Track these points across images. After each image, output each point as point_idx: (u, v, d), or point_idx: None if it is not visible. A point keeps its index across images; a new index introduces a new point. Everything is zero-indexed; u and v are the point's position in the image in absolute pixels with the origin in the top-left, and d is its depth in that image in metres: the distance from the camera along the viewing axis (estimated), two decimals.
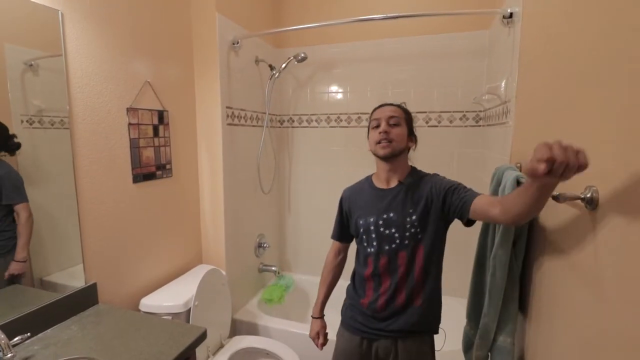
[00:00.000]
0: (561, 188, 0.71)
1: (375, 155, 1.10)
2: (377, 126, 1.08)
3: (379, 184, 1.13)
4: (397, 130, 1.07)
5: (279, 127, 2.52)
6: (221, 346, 1.71)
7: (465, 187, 1.03)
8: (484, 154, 1.99)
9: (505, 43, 1.57)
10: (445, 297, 2.17)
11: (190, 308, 1.48)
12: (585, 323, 0.69)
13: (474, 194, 0.98)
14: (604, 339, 0.62)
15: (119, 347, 1.02)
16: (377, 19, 1.70)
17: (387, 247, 1.07)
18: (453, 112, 2.12)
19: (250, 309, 2.08)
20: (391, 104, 1.12)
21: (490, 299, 1.04)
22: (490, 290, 1.03)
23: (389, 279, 1.08)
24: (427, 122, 2.18)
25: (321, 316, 1.30)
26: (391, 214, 1.06)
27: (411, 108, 2.20)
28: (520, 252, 1.02)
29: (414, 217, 1.04)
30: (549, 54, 1.00)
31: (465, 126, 2.11)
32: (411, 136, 1.12)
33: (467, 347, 1.24)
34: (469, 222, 1.02)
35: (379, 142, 1.07)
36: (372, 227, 1.08)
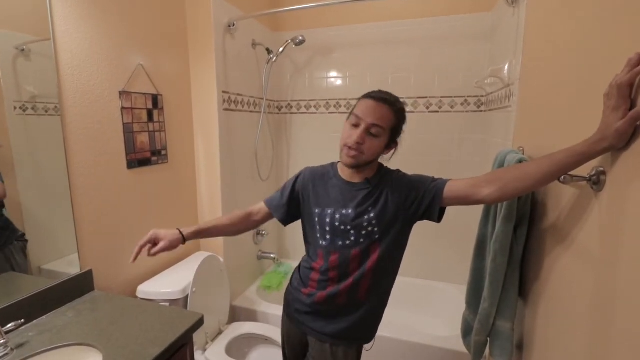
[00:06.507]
0: None
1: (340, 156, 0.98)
2: (355, 125, 0.94)
3: (345, 175, 1.03)
4: (374, 143, 0.93)
5: (277, 113, 2.47)
6: (220, 332, 1.71)
7: (432, 178, 0.96)
8: (485, 140, 1.96)
9: (509, 24, 1.52)
10: (444, 283, 2.26)
11: (188, 295, 1.47)
12: (587, 309, 0.68)
13: (443, 181, 0.93)
14: (605, 325, 0.60)
15: (115, 333, 1.01)
16: None
17: (340, 243, 0.99)
18: (454, 97, 2.08)
19: (249, 296, 2.09)
20: (385, 101, 0.93)
21: (490, 284, 1.02)
22: (490, 276, 1.02)
23: (337, 276, 1.00)
24: (427, 108, 2.14)
25: (183, 236, 1.03)
26: (350, 210, 0.98)
27: (411, 93, 2.21)
28: (521, 236, 1.00)
29: (372, 215, 0.96)
30: (555, 33, 0.97)
31: (467, 111, 2.07)
32: (391, 144, 0.99)
33: (466, 332, 1.24)
34: (440, 217, 0.95)
35: (347, 146, 0.94)
36: (327, 220, 1.00)
